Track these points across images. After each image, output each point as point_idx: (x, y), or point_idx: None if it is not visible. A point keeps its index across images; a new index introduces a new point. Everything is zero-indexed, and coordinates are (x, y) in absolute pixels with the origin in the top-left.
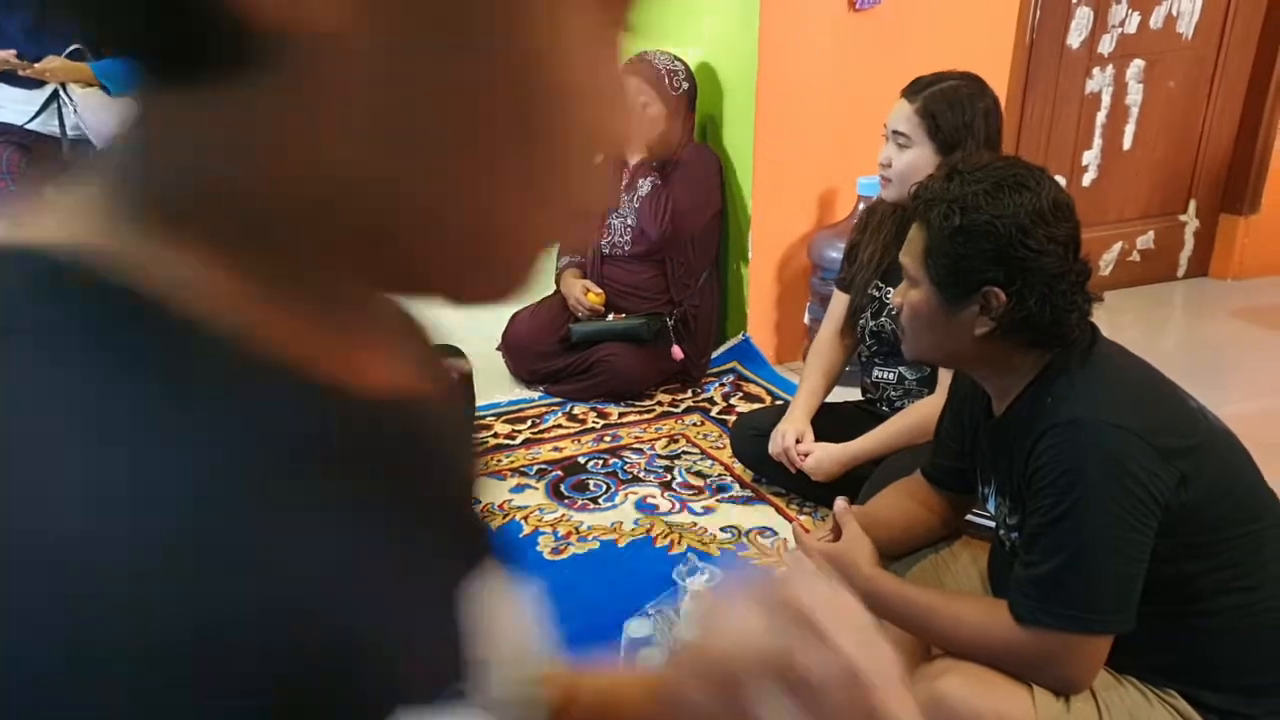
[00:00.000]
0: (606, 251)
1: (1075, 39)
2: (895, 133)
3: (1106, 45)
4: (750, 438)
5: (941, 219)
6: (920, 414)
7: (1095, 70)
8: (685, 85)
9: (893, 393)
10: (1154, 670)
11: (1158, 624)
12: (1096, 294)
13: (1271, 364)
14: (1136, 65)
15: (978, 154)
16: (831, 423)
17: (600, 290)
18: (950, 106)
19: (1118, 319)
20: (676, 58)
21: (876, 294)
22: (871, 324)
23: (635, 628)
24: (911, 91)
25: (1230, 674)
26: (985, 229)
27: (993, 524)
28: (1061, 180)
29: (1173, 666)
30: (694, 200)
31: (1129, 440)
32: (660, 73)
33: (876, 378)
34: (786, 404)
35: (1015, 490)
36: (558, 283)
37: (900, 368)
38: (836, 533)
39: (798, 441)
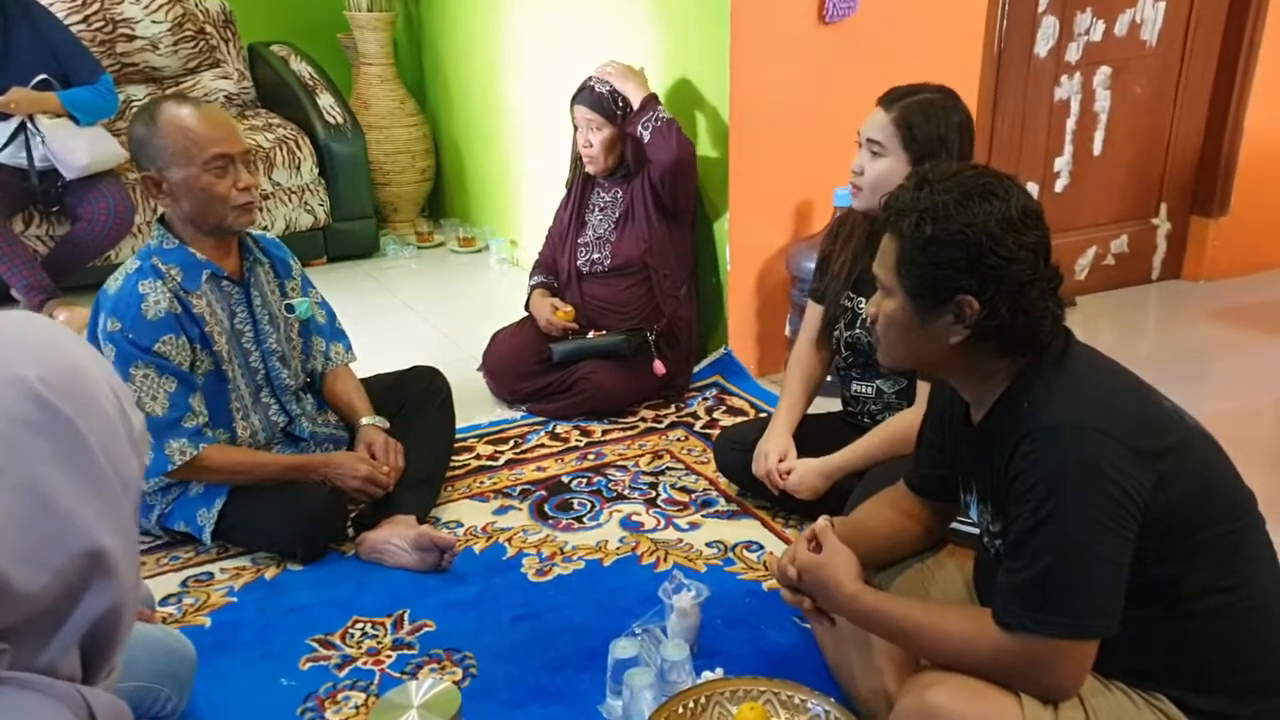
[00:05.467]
0: (585, 270)
1: (1042, 48)
2: (870, 140)
3: (1073, 53)
4: (733, 452)
5: (913, 229)
6: (901, 425)
7: (1063, 78)
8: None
9: (872, 406)
10: (1140, 674)
11: (1142, 627)
12: (1069, 299)
13: (1245, 364)
14: (1103, 72)
15: (946, 163)
16: (814, 435)
17: (569, 307)
18: (926, 118)
19: (1093, 323)
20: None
21: (849, 304)
22: (846, 335)
23: (622, 648)
24: (888, 101)
25: (1217, 675)
26: (956, 238)
27: (976, 531)
28: (1034, 187)
29: (1159, 669)
30: (682, 138)
31: (1106, 443)
32: (603, 97)
33: (855, 391)
34: (770, 417)
35: (996, 496)
36: (528, 305)
37: (878, 381)
38: (818, 547)
39: (781, 460)
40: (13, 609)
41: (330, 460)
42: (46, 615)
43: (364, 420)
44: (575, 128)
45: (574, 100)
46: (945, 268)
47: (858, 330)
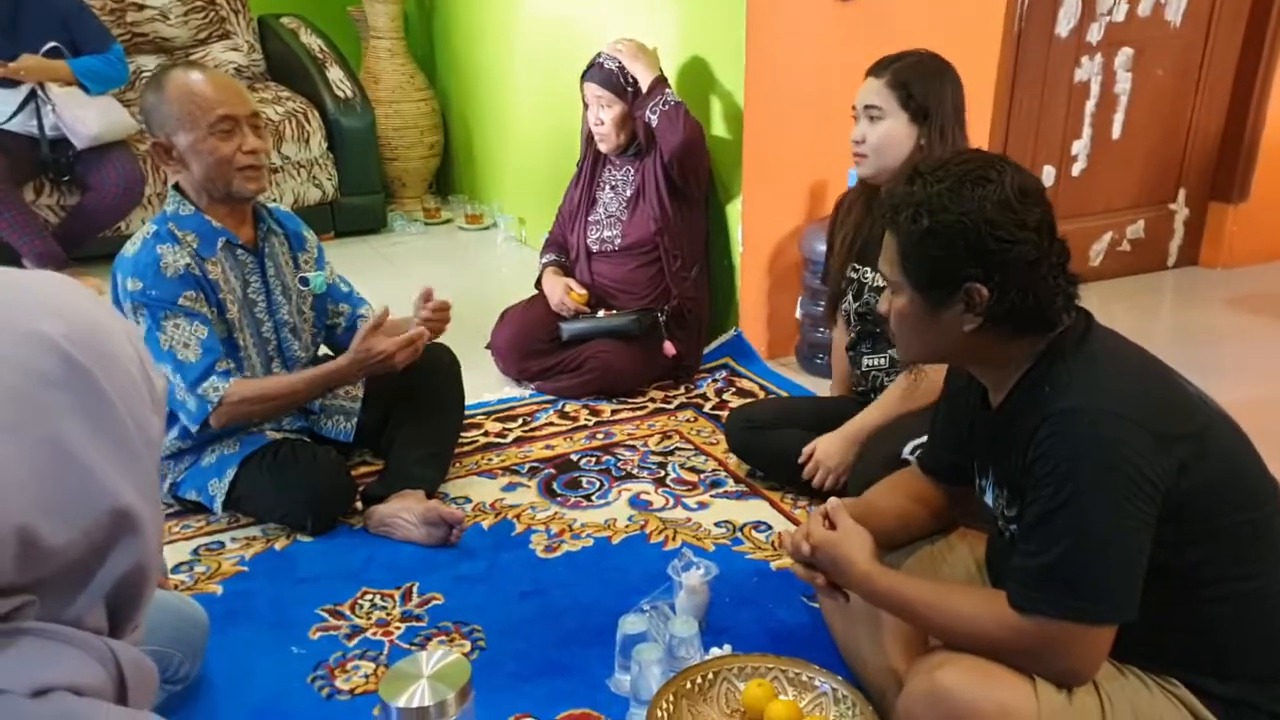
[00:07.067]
0: (595, 249)
1: (1064, 27)
2: (867, 107)
3: (1095, 34)
4: (744, 431)
5: (909, 223)
6: (908, 379)
7: (1084, 59)
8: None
9: (886, 380)
10: (1156, 659)
11: (1160, 612)
12: (1079, 275)
13: (1262, 352)
14: (1125, 53)
15: (937, 153)
16: (830, 419)
17: (582, 290)
18: (920, 76)
19: (1108, 309)
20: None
21: (854, 275)
22: (855, 305)
23: (630, 624)
24: (879, 68)
25: (1235, 662)
26: (955, 227)
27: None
28: (1051, 170)
29: (1176, 655)
30: (689, 120)
31: (1127, 427)
32: (613, 74)
33: (866, 367)
34: (779, 397)
35: (1013, 481)
36: (539, 284)
37: (890, 351)
38: (832, 526)
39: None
40: (41, 562)
41: (354, 361)
42: (73, 569)
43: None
44: (586, 105)
45: (584, 77)
46: (947, 259)
47: (866, 296)
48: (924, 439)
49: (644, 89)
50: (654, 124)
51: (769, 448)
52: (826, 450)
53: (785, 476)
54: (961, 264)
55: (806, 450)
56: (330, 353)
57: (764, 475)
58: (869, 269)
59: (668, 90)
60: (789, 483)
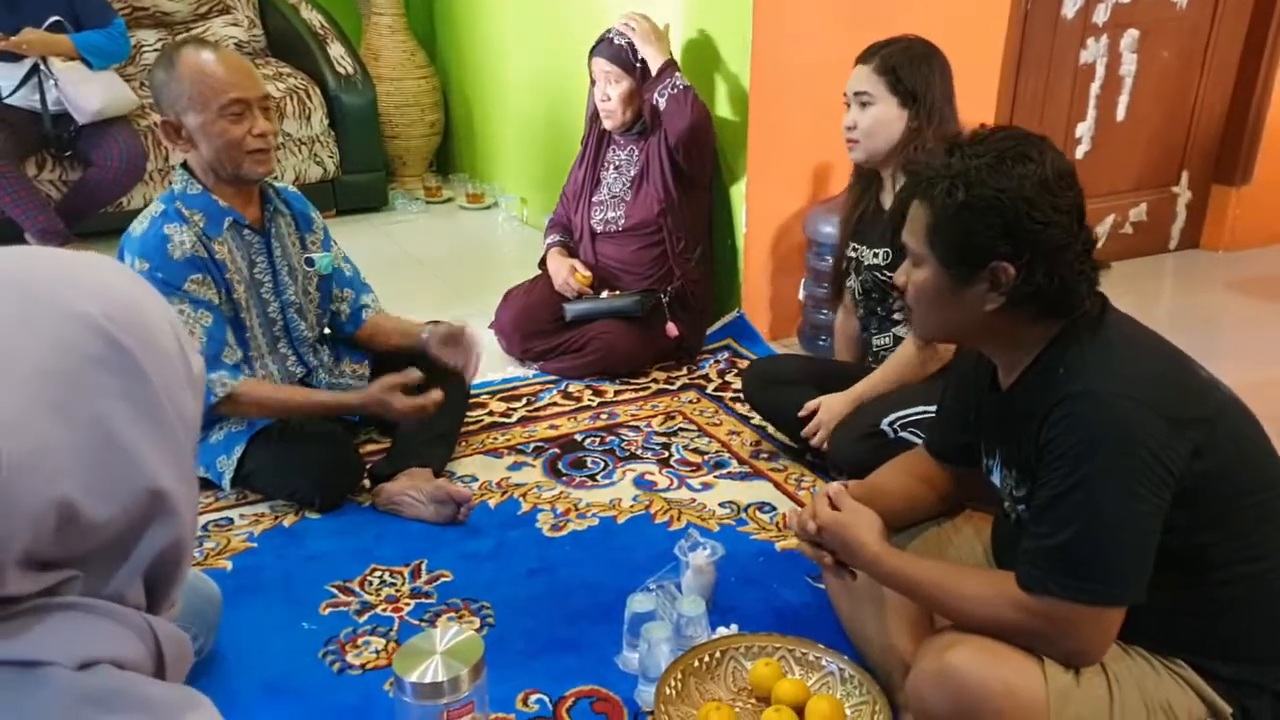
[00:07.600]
0: (599, 229)
1: (1070, 9)
2: (857, 94)
3: (1101, 15)
4: (758, 378)
5: (945, 195)
6: (908, 351)
7: (1090, 40)
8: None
9: None
10: (1163, 640)
11: (1168, 595)
12: (1103, 262)
13: (1264, 335)
14: (1131, 35)
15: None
16: (838, 385)
17: (587, 271)
18: (909, 61)
19: (1110, 292)
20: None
21: (853, 254)
22: (858, 280)
23: (639, 602)
24: (868, 55)
25: (1242, 644)
26: (990, 203)
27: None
28: None
29: (1184, 637)
30: (698, 105)
31: (1142, 411)
32: (622, 49)
33: (876, 347)
34: (804, 356)
35: (1024, 462)
36: (544, 263)
37: (894, 330)
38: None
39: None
40: (82, 538)
41: (368, 402)
42: (113, 546)
43: (426, 326)
44: (592, 81)
45: (592, 53)
46: (979, 234)
47: (864, 274)
48: (904, 412)
49: (654, 72)
50: (662, 107)
51: (778, 400)
52: (829, 409)
53: (789, 431)
54: (993, 241)
55: (809, 405)
56: (331, 331)
57: (776, 427)
58: (865, 246)
59: (677, 74)
60: (791, 438)
